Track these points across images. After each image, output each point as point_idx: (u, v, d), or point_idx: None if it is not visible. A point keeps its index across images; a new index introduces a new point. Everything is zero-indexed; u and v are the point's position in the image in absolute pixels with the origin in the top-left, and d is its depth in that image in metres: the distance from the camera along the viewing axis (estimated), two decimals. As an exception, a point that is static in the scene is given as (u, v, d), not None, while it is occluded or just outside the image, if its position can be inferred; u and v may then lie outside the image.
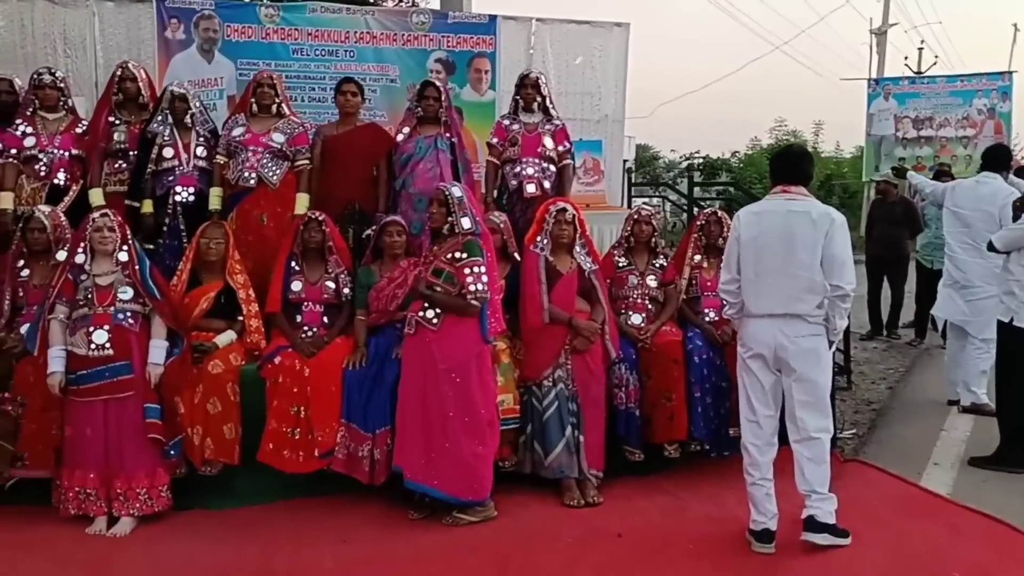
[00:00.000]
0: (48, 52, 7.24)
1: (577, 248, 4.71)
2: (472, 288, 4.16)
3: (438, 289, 4.18)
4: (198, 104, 5.26)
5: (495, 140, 5.48)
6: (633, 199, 10.65)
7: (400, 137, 5.35)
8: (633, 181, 12.23)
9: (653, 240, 5.02)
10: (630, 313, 4.89)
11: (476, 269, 4.20)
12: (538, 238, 4.69)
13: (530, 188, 5.30)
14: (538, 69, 7.86)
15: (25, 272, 4.53)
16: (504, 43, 7.78)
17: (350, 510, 4.33)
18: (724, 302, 4.05)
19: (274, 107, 5.17)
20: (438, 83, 5.45)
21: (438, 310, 4.17)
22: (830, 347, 3.81)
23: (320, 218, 4.76)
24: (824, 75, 61.95)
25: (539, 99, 5.49)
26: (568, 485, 4.44)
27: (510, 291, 4.66)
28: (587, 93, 8.26)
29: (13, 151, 5.00)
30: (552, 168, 5.43)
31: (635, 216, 5.05)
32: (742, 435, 3.90)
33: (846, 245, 3.72)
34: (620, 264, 5.01)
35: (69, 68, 7.07)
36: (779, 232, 3.73)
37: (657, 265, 5.01)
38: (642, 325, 4.85)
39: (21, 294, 4.50)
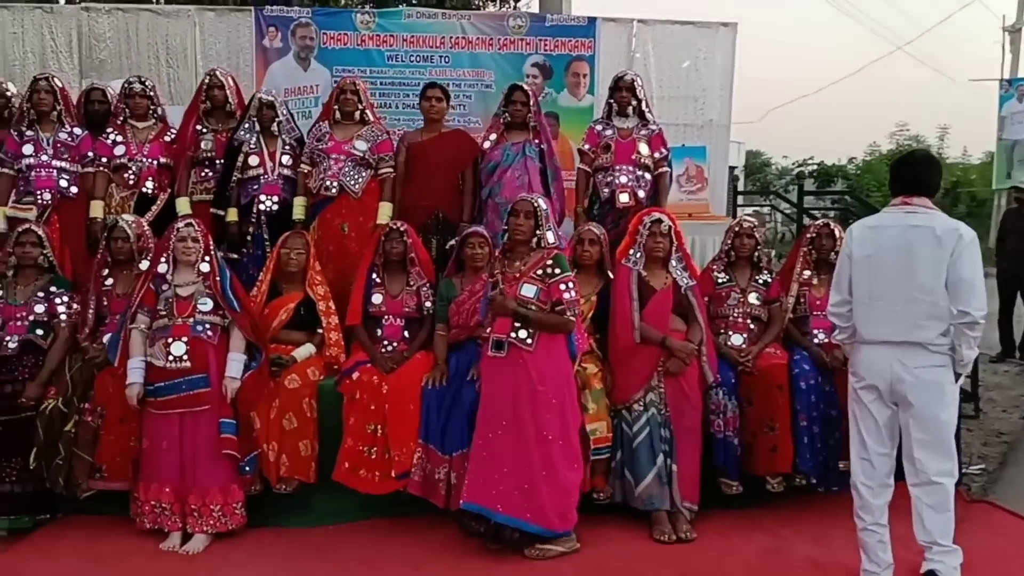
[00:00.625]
0: (151, 62, 7.40)
1: (673, 262, 4.38)
2: (570, 304, 3.92)
3: (532, 307, 3.93)
4: (285, 112, 5.19)
5: (587, 147, 5.21)
6: (739, 208, 10.17)
7: (487, 144, 5.14)
8: (740, 189, 11.73)
9: (756, 254, 4.64)
10: (730, 333, 4.53)
11: (570, 284, 3.96)
12: (631, 251, 4.39)
13: (623, 197, 5.00)
14: (637, 72, 7.68)
15: (109, 281, 4.52)
16: (603, 46, 7.54)
17: (426, 535, 4.12)
18: (834, 325, 3.65)
19: (357, 114, 5.04)
20: (527, 87, 5.20)
21: (530, 329, 3.93)
22: (956, 380, 3.35)
23: (402, 228, 4.58)
24: (951, 76, 58.73)
25: (634, 103, 5.18)
26: (659, 518, 4.12)
27: (601, 309, 4.38)
28: (691, 97, 7.88)
29: (104, 160, 5.04)
30: (647, 176, 5.12)
31: (736, 228, 4.67)
32: (852, 474, 3.50)
33: (976, 266, 3.27)
34: (719, 280, 4.64)
35: (171, 77, 7.23)
36: (897, 250, 3.31)
37: (760, 281, 4.62)
38: (743, 347, 4.47)
39: (105, 303, 4.49)
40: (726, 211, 8.89)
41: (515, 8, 14.27)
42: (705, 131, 7.89)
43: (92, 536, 4.11)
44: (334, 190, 4.92)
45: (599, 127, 5.25)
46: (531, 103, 5.13)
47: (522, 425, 3.87)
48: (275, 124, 5.03)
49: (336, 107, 5.04)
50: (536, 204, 4.04)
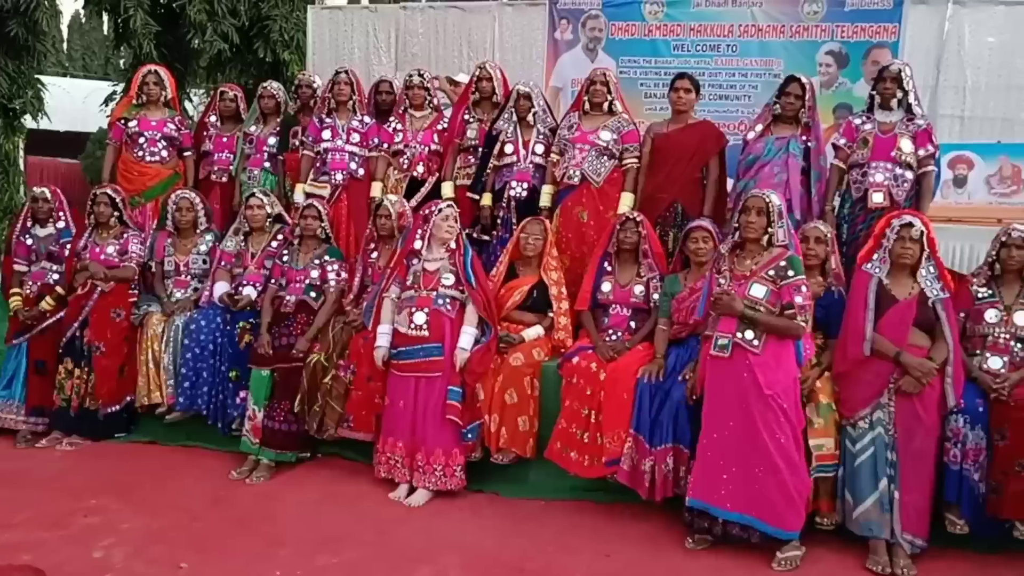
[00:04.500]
0: (455, 54, 8.08)
1: (923, 271, 3.97)
2: (802, 309, 3.77)
3: (761, 309, 3.81)
4: (542, 102, 5.40)
5: (842, 141, 4.85)
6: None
7: (751, 135, 4.97)
8: None
9: (1028, 268, 4.06)
10: (988, 355, 4.01)
11: (803, 288, 3.79)
12: (875, 255, 4.05)
13: (876, 197, 4.61)
14: (950, 59, 6.95)
15: (375, 254, 5.06)
16: (910, 31, 6.93)
17: (625, 523, 4.18)
18: None
19: (606, 105, 5.12)
20: (805, 79, 4.92)
21: (758, 330, 3.81)
22: None
23: (637, 219, 4.62)
24: None
25: (900, 95, 4.70)
26: (876, 547, 3.80)
27: (823, 313, 4.11)
28: (1014, 87, 6.98)
29: (385, 145, 5.62)
30: (908, 175, 4.66)
31: (1004, 238, 4.09)
32: None
33: None
34: (980, 295, 4.12)
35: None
36: None
37: (1031, 299, 4.04)
38: (1002, 371, 3.95)
39: (369, 273, 5.03)
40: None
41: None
42: (1029, 126, 6.96)
43: (337, 477, 4.69)
44: (576, 178, 5.06)
45: (858, 120, 4.86)
46: (806, 97, 4.86)
47: (750, 426, 3.77)
48: (531, 114, 5.26)
49: (586, 98, 5.15)
50: (768, 200, 3.88)
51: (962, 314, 4.07)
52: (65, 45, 33.03)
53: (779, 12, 7.21)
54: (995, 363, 3.99)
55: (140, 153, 5.93)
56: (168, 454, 5.01)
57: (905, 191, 4.65)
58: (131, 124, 5.95)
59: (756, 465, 3.75)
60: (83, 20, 31.62)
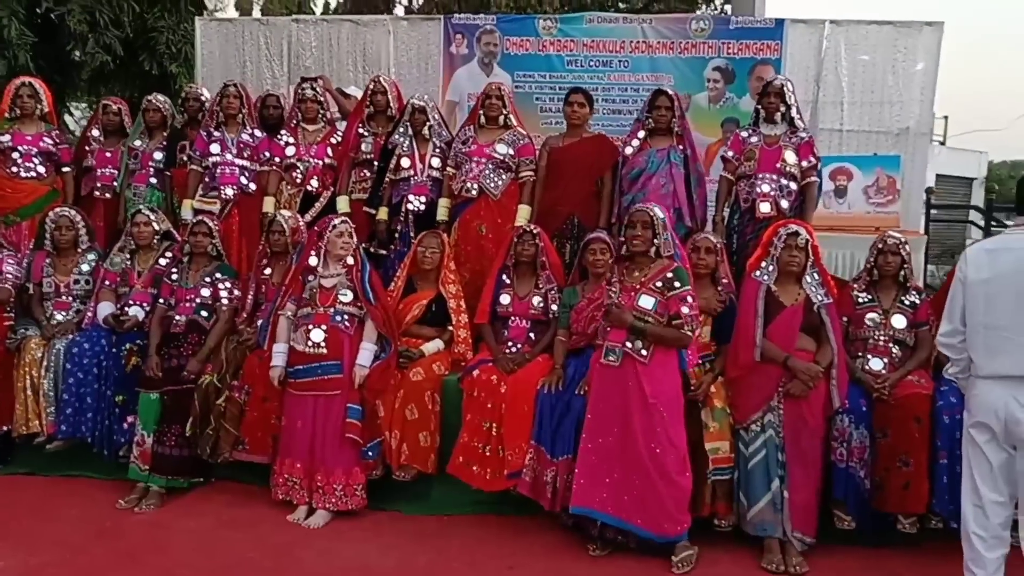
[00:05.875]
0: (349, 68, 7.97)
1: (807, 278, 4.13)
2: (689, 319, 3.86)
3: (649, 320, 3.88)
4: (436, 116, 5.40)
5: (730, 153, 5.02)
6: (933, 223, 9.37)
7: (628, 150, 5.07)
8: (983, 204, 10.74)
9: (903, 273, 4.27)
10: (869, 357, 4.20)
11: (690, 299, 3.89)
12: (763, 263, 4.19)
13: (764, 207, 4.78)
14: (829, 75, 7.28)
15: (268, 271, 4.93)
16: (791, 48, 7.26)
17: (528, 535, 4.18)
18: (944, 357, 3.30)
19: (501, 119, 5.17)
20: (670, 91, 5.08)
21: (646, 341, 3.88)
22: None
23: (534, 231, 4.66)
24: None
25: (783, 108, 4.91)
26: (769, 546, 3.92)
27: (716, 322, 4.23)
28: (886, 102, 7.37)
29: (277, 159, 5.51)
30: (792, 186, 4.86)
31: (880, 245, 4.31)
32: (963, 522, 3.16)
33: None
34: (860, 300, 4.32)
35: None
36: (1018, 274, 2.95)
37: (907, 303, 4.25)
38: (882, 372, 4.14)
39: (263, 291, 4.90)
40: (923, 227, 8.23)
41: (715, 10, 13.93)
42: (901, 139, 7.38)
43: (232, 502, 4.54)
44: (474, 192, 5.07)
45: (744, 133, 5.05)
46: (675, 107, 5.02)
47: (632, 434, 3.85)
48: (426, 128, 5.25)
49: (481, 112, 5.18)
50: (652, 214, 3.97)
51: (845, 319, 4.25)
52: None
53: (668, 29, 7.43)
54: (876, 364, 4.18)
55: (15, 169, 5.65)
56: (48, 485, 4.74)
57: (790, 201, 4.85)
58: (4, 139, 5.65)
59: (634, 473, 3.84)
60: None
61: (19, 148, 5.64)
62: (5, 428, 4.86)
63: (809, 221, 4.79)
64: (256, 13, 15.75)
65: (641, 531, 3.84)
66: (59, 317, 5.03)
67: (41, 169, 5.70)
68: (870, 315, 4.25)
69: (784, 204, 4.81)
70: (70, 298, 5.08)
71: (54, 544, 3.99)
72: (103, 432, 4.75)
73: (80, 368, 4.74)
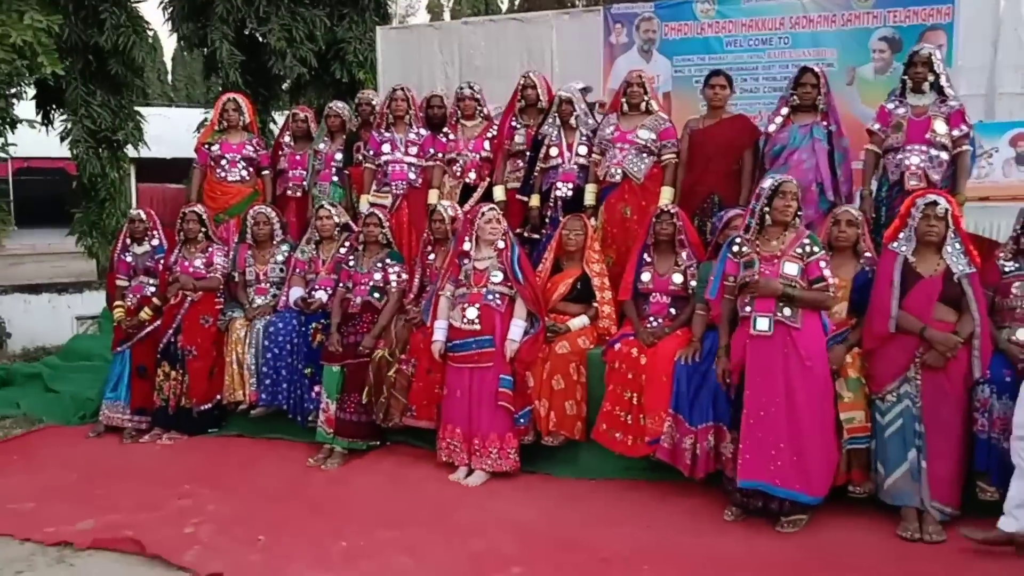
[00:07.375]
0: (515, 65, 8.36)
1: (948, 248, 4.08)
2: (831, 281, 4.00)
3: (795, 286, 4.02)
4: (583, 106, 5.67)
5: (876, 126, 4.94)
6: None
7: (772, 127, 5.14)
8: None
9: (1057, 241, 4.11)
10: (1015, 327, 4.09)
11: (824, 263, 4.02)
12: (900, 234, 4.18)
13: (912, 181, 4.69)
14: (1007, 38, 6.86)
15: (431, 256, 5.44)
16: (964, 11, 6.87)
17: (667, 499, 4.42)
18: None
19: (643, 105, 5.37)
20: (817, 68, 5.09)
21: (794, 307, 4.00)
22: None
23: (672, 211, 4.85)
24: None
25: (931, 78, 4.79)
26: (907, 515, 3.95)
27: (855, 293, 4.27)
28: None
29: (440, 155, 6.00)
30: (943, 156, 4.73)
31: (1027, 212, 4.18)
32: None
33: None
34: (1007, 269, 4.19)
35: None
36: None
37: (1059, 271, 4.10)
38: (1030, 342, 4.02)
39: (427, 274, 5.42)
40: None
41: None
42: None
43: (403, 462, 5.09)
44: (618, 176, 5.32)
45: (891, 105, 4.95)
46: (821, 84, 5.03)
47: (796, 400, 3.97)
48: (573, 118, 5.55)
49: (623, 99, 5.41)
50: (797, 184, 4.13)
51: (992, 289, 4.16)
52: (170, 76, 35.03)
53: (830, 1, 7.24)
54: (1023, 335, 4.06)
55: (223, 174, 6.48)
56: (253, 446, 5.52)
57: (941, 172, 4.73)
58: (214, 148, 6.50)
59: (800, 438, 3.95)
60: (184, 53, 33.34)
61: (226, 156, 6.47)
62: (219, 397, 5.69)
63: (962, 191, 4.70)
64: (446, 16, 16.55)
65: (802, 496, 3.95)
66: (259, 301, 5.80)
67: (244, 173, 6.51)
68: (1017, 284, 4.13)
69: (935, 176, 4.70)
70: (268, 284, 5.85)
71: (255, 494, 4.69)
72: (296, 400, 5.46)
73: (276, 344, 5.47)
